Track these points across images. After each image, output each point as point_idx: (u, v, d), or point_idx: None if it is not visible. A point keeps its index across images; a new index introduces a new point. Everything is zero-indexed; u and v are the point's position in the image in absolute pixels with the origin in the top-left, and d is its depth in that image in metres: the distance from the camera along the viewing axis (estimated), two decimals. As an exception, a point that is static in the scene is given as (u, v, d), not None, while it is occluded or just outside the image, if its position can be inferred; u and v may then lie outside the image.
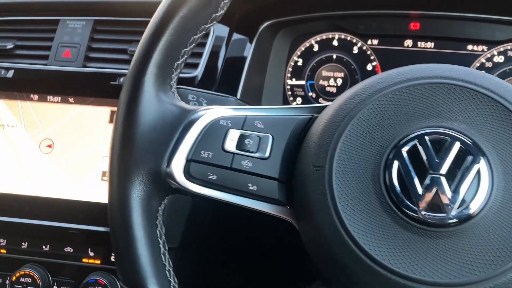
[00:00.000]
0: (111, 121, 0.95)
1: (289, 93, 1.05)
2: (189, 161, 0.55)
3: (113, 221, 0.55)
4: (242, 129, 0.56)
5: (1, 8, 1.04)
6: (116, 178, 0.55)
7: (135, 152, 0.54)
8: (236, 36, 0.97)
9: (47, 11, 1.02)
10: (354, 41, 1.02)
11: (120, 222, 0.54)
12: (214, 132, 0.56)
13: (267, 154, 0.55)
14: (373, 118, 0.50)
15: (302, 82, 1.04)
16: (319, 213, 0.49)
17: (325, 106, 0.56)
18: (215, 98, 0.75)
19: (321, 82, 1.03)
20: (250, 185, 0.54)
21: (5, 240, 0.96)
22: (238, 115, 0.57)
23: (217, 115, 0.56)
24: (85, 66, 0.97)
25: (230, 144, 0.55)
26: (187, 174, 0.55)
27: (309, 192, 0.50)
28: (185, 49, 0.58)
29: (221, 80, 0.94)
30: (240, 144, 0.55)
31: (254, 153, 0.55)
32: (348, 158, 0.49)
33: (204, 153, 0.55)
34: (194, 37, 0.58)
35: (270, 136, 0.55)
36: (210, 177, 0.55)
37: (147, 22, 1.01)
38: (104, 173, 0.93)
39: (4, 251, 0.97)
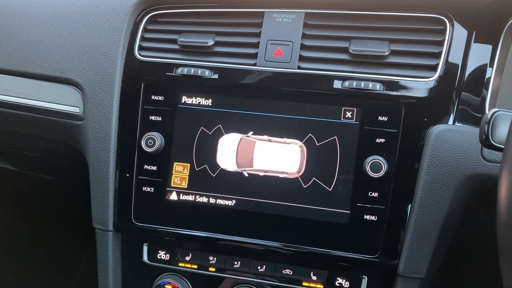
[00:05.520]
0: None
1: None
2: None
3: None
4: None
5: (198, -1, 0.93)
6: None
7: None
8: (478, 35, 0.84)
9: (249, 2, 0.91)
10: None
11: None
12: None
13: None
14: None
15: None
16: None
17: None
18: None
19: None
20: None
21: (215, 258, 0.89)
22: None
23: None
24: (299, 68, 0.86)
25: None
26: None
27: None
28: None
29: (466, 84, 0.82)
30: None
31: None
32: None
33: None
34: None
35: None
36: None
37: (368, 16, 0.88)
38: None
39: (213, 270, 0.90)
